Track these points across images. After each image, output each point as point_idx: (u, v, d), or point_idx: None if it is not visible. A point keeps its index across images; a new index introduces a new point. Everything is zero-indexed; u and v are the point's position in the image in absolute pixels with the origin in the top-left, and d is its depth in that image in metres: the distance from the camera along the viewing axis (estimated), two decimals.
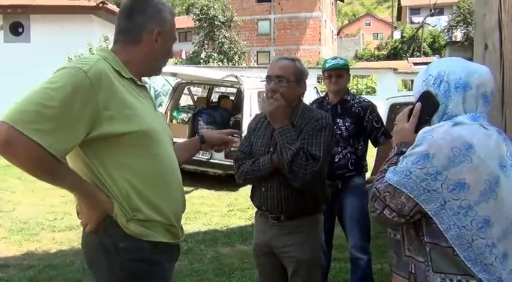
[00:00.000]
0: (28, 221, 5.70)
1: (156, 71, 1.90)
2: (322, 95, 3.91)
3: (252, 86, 8.11)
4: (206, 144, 2.22)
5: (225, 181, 7.78)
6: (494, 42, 1.84)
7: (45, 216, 5.94)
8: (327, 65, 3.39)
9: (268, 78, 2.45)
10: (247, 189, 7.45)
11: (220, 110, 8.87)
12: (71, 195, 6.20)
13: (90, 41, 11.81)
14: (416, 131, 1.55)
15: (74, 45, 11.55)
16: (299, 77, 2.44)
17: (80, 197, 1.65)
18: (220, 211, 6.50)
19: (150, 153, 1.69)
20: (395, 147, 1.60)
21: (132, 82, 1.73)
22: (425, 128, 1.51)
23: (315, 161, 2.29)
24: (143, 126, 1.66)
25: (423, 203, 1.42)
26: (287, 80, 2.39)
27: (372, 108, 3.40)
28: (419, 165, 1.42)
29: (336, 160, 3.28)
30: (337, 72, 3.36)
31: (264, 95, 2.57)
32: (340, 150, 3.29)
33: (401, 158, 1.50)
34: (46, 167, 1.50)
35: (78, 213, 1.74)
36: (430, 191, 1.41)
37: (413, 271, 1.51)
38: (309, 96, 6.23)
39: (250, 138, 2.57)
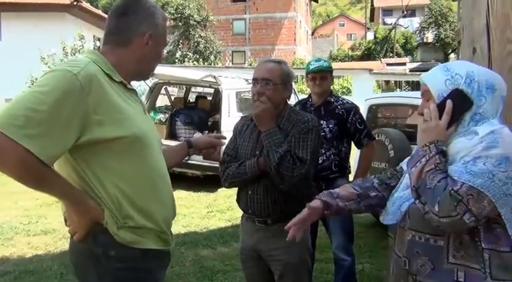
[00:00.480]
0: (1, 225, 5.54)
1: (146, 74, 1.86)
2: (299, 95, 3.92)
3: (230, 87, 8.08)
4: (194, 148, 2.18)
5: (203, 182, 7.74)
6: (483, 45, 1.86)
7: (19, 220, 5.79)
8: (311, 67, 3.39)
9: (255, 80, 2.43)
10: (225, 191, 7.47)
11: (198, 111, 8.82)
12: (45, 198, 6.05)
13: (63, 39, 11.55)
14: (447, 128, 1.52)
15: (46, 44, 11.27)
16: (285, 80, 2.43)
17: (69, 204, 1.60)
18: (199, 213, 6.45)
19: (141, 159, 1.65)
20: (431, 146, 1.50)
21: (122, 86, 1.68)
22: (483, 129, 1.47)
23: (302, 164, 2.28)
24: (134, 131, 1.61)
25: (500, 207, 1.39)
26: (274, 83, 2.37)
27: (355, 110, 3.42)
28: (502, 168, 1.38)
29: (320, 162, 3.28)
30: (321, 75, 3.37)
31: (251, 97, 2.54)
32: (323, 151, 3.30)
33: (467, 158, 1.43)
34: (35, 173, 1.44)
35: (65, 221, 1.68)
36: (507, 195, 1.38)
37: (461, 279, 1.46)
38: None
39: (236, 140, 2.55)
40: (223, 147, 2.33)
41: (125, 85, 1.70)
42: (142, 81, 1.96)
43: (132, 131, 1.60)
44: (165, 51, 1.99)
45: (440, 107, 1.53)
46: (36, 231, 5.37)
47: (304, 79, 19.33)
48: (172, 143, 7.78)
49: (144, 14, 1.73)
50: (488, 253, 1.43)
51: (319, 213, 1.76)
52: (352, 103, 3.50)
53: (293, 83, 2.61)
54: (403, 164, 1.75)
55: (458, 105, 1.51)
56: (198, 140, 2.23)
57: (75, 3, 13.11)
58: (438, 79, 1.57)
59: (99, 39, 15.06)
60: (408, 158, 1.64)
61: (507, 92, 1.56)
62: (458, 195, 1.38)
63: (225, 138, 2.32)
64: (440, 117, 1.52)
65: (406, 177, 1.65)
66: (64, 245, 4.90)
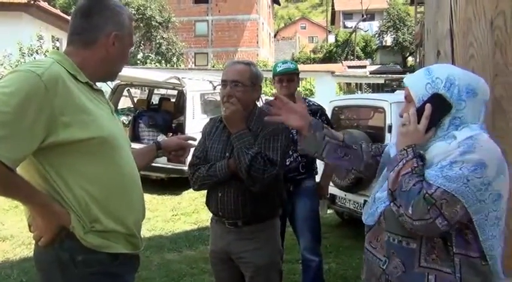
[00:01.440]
0: None
1: (112, 75, 1.82)
2: (263, 97, 3.93)
3: (195, 88, 8.03)
4: (163, 150, 2.14)
5: (167, 185, 7.65)
6: (446, 49, 1.92)
7: None
8: (278, 69, 3.41)
9: (224, 82, 2.42)
10: (190, 193, 7.41)
11: (162, 113, 8.72)
12: (1, 203, 5.82)
13: (20, 39, 11.17)
14: (426, 133, 1.53)
15: (2, 44, 10.88)
16: (254, 81, 2.43)
17: (34, 208, 1.55)
18: (164, 216, 6.37)
19: (109, 161, 1.62)
20: (409, 150, 1.51)
21: (88, 86, 1.65)
22: (461, 134, 1.48)
23: (273, 166, 2.28)
24: (102, 132, 1.58)
25: (473, 213, 1.40)
26: (243, 85, 2.37)
27: (321, 111, 3.45)
28: (478, 174, 1.38)
29: (288, 163, 3.30)
30: (288, 77, 3.38)
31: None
32: (291, 153, 3.32)
33: (444, 163, 1.43)
34: None
35: (29, 226, 1.63)
36: (480, 201, 1.39)
37: None
38: None
39: (205, 142, 2.53)
40: (192, 149, 2.30)
41: (91, 86, 1.66)
42: (104, 82, 1.91)
43: (99, 133, 1.57)
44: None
45: (420, 111, 1.54)
46: None
47: (267, 81, 19.32)
48: (136, 146, 7.61)
49: (110, 14, 1.70)
50: (459, 258, 1.45)
51: (306, 121, 1.80)
52: (319, 105, 3.54)
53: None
54: (390, 148, 1.74)
55: (437, 109, 1.52)
56: (167, 141, 2.20)
57: (32, 2, 12.70)
58: (419, 83, 1.57)
59: (58, 40, 14.66)
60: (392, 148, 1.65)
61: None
62: (432, 199, 1.38)
63: (194, 139, 2.29)
64: (419, 121, 1.53)
65: (385, 178, 1.66)
66: (23, 251, 4.74)
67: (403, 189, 1.45)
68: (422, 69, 1.62)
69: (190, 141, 2.23)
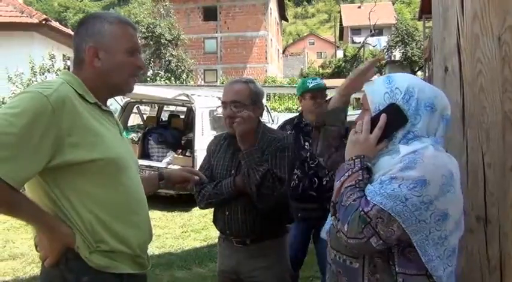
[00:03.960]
0: None
1: (114, 89, 1.72)
2: (271, 113, 3.89)
3: (204, 105, 8.06)
4: (165, 181, 2.06)
5: (177, 202, 7.63)
6: (454, 65, 1.90)
7: None
8: (310, 86, 3.31)
9: (224, 104, 2.39)
10: (200, 210, 7.35)
11: (171, 130, 8.75)
12: (13, 221, 5.86)
13: (31, 58, 11.33)
14: (377, 144, 1.46)
15: (14, 63, 11.02)
16: (255, 99, 2.39)
17: (39, 228, 1.55)
18: (173, 233, 6.35)
19: (116, 182, 1.61)
20: (357, 160, 1.44)
21: (96, 107, 1.65)
22: (406, 148, 1.41)
23: (281, 184, 2.26)
24: (109, 154, 1.58)
25: (412, 233, 1.32)
26: (243, 104, 2.33)
27: (349, 127, 3.39)
28: (416, 192, 1.31)
29: (324, 183, 3.23)
30: (321, 93, 3.31)
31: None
32: (327, 172, 3.23)
33: (384, 178, 1.36)
34: (2, 198, 1.40)
35: (36, 246, 1.62)
36: (420, 221, 1.32)
37: None
38: None
39: (210, 160, 2.51)
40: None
41: (100, 106, 1.66)
42: (112, 98, 1.84)
43: (106, 154, 1.57)
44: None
45: (375, 120, 1.47)
46: (4, 256, 5.18)
47: (276, 96, 19.23)
48: (145, 163, 7.68)
49: (83, 29, 1.66)
50: (402, 277, 1.39)
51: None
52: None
53: (264, 100, 2.57)
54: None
55: (392, 120, 1.45)
56: (171, 174, 2.12)
57: (44, 22, 12.90)
58: (378, 91, 1.50)
59: (69, 58, 14.84)
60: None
61: (474, 110, 1.55)
62: (367, 218, 1.32)
63: (198, 174, 2.17)
64: (371, 131, 1.46)
65: None
66: (33, 270, 4.73)
67: (343, 204, 1.39)
68: (383, 76, 1.56)
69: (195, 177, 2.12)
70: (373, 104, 1.50)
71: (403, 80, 1.51)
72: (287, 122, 3.57)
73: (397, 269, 1.40)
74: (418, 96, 1.45)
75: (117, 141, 1.68)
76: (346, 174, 1.44)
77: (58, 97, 1.48)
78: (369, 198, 1.35)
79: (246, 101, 2.34)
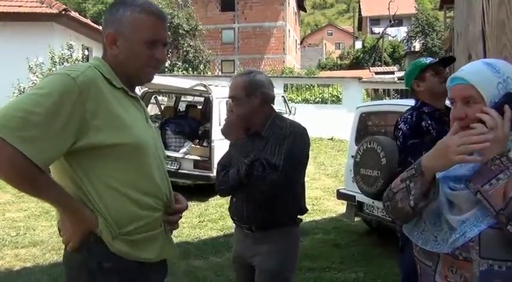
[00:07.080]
0: None
1: (134, 80, 1.70)
2: (289, 103, 3.65)
3: (221, 95, 8.06)
4: None
5: (194, 191, 7.67)
6: (478, 52, 1.86)
7: (7, 232, 5.69)
8: (428, 61, 2.57)
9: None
10: (217, 200, 7.42)
11: (189, 120, 8.77)
12: (33, 209, 5.98)
13: (51, 48, 11.46)
14: None
15: (34, 53, 11.17)
16: (249, 90, 2.41)
17: (63, 212, 1.55)
18: (190, 222, 6.38)
19: (139, 167, 1.61)
20: (503, 158, 1.32)
21: (123, 92, 1.64)
22: None
23: (274, 171, 2.27)
24: (133, 139, 1.57)
25: None
26: (237, 98, 2.43)
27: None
28: None
29: None
30: (442, 69, 2.61)
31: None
32: None
33: None
34: (28, 177, 1.40)
35: (59, 230, 1.63)
36: None
37: None
38: (276, 106, 5.99)
39: (231, 151, 2.58)
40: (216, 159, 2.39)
41: (126, 92, 1.65)
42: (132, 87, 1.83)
43: (130, 139, 1.56)
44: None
45: (502, 111, 1.36)
46: (25, 243, 5.28)
47: (293, 87, 18.97)
48: None
49: (110, 12, 1.66)
50: None
51: None
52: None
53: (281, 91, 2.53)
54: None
55: None
56: None
57: (63, 12, 13.02)
58: (490, 82, 1.39)
59: (87, 48, 14.97)
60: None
61: None
62: None
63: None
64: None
65: (464, 196, 1.39)
66: (53, 257, 4.81)
67: None
68: (482, 64, 1.44)
69: None
70: (488, 96, 1.38)
71: (507, 67, 1.43)
72: (418, 113, 2.53)
73: None
74: None
75: (142, 127, 1.67)
76: (502, 175, 1.30)
77: (85, 79, 1.48)
78: None
79: (239, 94, 2.42)
